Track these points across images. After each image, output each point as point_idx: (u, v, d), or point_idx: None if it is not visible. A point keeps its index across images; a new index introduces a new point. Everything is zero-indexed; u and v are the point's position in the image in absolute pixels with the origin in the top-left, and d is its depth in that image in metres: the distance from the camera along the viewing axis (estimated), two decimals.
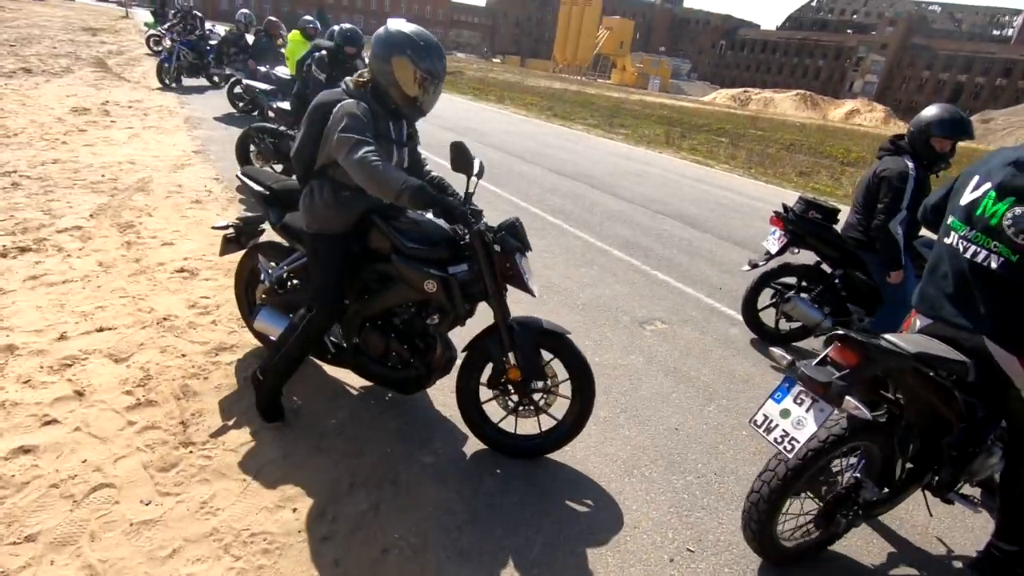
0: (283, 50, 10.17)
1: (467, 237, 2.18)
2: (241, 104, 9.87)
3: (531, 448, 2.44)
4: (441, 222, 2.26)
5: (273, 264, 2.72)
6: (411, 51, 2.03)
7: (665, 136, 16.27)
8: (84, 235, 4.04)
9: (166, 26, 13.40)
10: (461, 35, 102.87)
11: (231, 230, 2.77)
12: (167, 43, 11.09)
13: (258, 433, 2.38)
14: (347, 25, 5.38)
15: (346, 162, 2.00)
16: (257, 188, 2.66)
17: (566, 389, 2.38)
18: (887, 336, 1.75)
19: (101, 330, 2.94)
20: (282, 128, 5.69)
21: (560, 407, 2.42)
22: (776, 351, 1.88)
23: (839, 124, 39.71)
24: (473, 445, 2.50)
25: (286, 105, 5.63)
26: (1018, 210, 1.65)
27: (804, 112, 49.06)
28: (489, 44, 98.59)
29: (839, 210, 3.72)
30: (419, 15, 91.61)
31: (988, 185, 1.75)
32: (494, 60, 79.38)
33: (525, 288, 2.22)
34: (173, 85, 11.28)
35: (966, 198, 1.80)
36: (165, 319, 3.11)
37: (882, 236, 3.25)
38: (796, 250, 3.74)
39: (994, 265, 1.68)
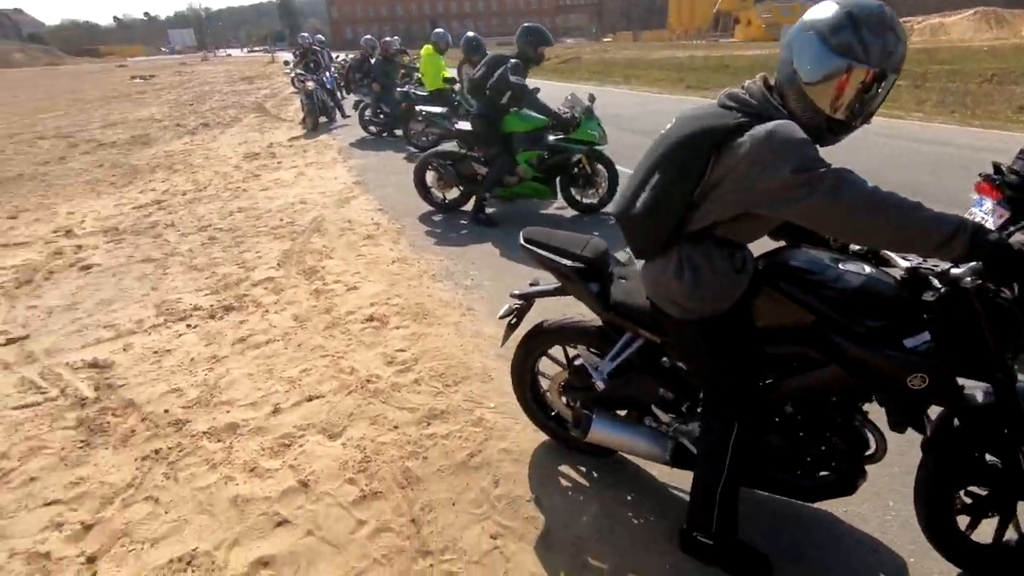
0: (416, 67, 10.30)
1: (929, 293, 1.44)
2: (373, 128, 10.09)
3: None
4: (877, 273, 1.53)
5: (592, 353, 2.07)
6: (861, 33, 1.29)
7: None
8: (276, 287, 4.07)
9: (291, 66, 14.20)
10: (568, 19, 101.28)
11: (514, 315, 2.18)
12: (309, 85, 10.81)
13: (498, 539, 1.98)
14: (531, 24, 5.12)
15: (832, 208, 1.31)
16: (565, 262, 1.92)
17: None
18: None
19: (311, 399, 2.78)
20: (463, 151, 5.44)
21: None
22: None
23: None
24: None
25: (465, 125, 5.39)
26: None
27: (989, 33, 40.87)
28: (597, 23, 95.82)
29: None
30: (525, 8, 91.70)
31: None
32: (605, 39, 76.87)
33: None
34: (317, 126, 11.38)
35: None
36: (368, 381, 2.89)
37: None
38: None
39: None
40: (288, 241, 4.99)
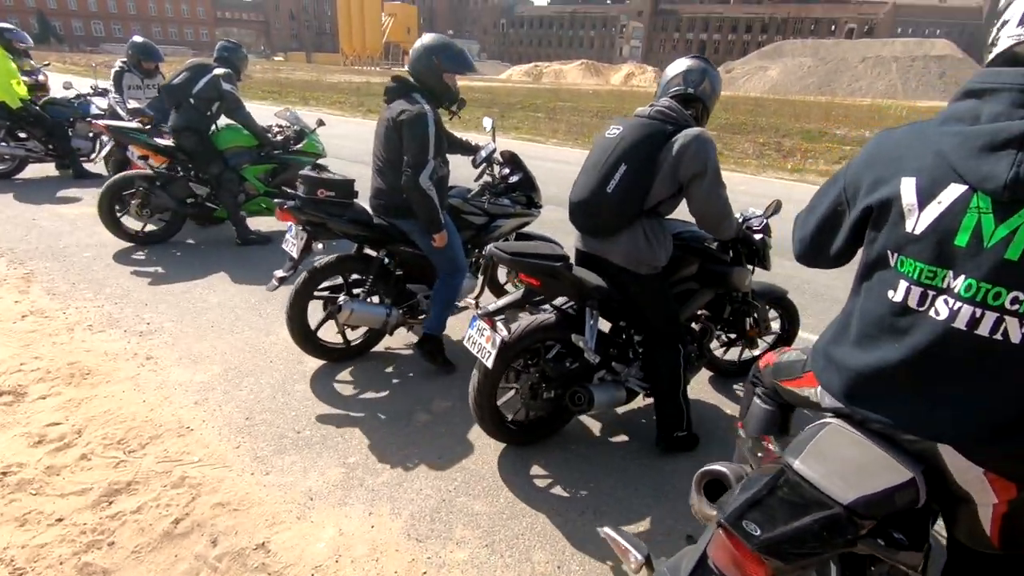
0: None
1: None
2: None
3: None
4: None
5: (583, 335, 2.26)
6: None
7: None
8: None
9: None
10: (230, 33, 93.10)
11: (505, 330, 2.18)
12: None
13: None
14: (228, 41, 4.96)
15: (719, 196, 2.12)
16: (556, 264, 2.17)
17: None
18: (808, 476, 1.04)
19: None
20: (174, 171, 4.70)
21: None
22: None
23: (624, 88, 43.98)
24: None
25: (161, 141, 4.68)
26: None
27: (591, 80, 53.47)
28: (266, 41, 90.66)
29: (353, 180, 2.92)
30: (175, 15, 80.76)
31: (961, 189, 0.94)
32: (276, 58, 73.38)
33: None
34: None
35: (917, 220, 1.00)
36: (3, 474, 2.20)
37: (415, 195, 2.64)
38: (320, 244, 2.96)
39: (1015, 337, 0.93)
40: None
